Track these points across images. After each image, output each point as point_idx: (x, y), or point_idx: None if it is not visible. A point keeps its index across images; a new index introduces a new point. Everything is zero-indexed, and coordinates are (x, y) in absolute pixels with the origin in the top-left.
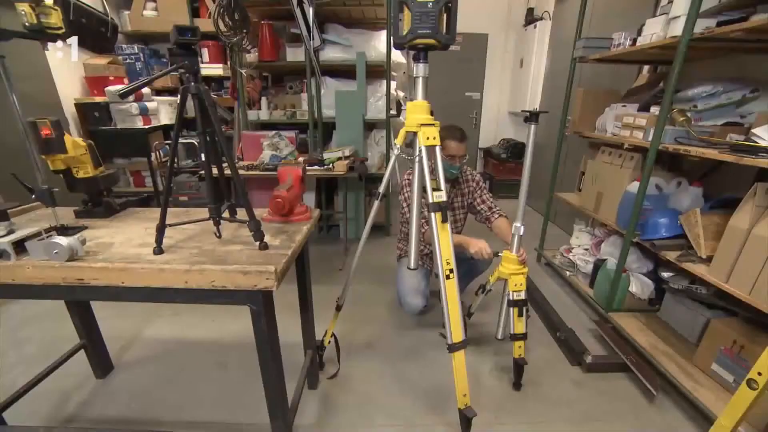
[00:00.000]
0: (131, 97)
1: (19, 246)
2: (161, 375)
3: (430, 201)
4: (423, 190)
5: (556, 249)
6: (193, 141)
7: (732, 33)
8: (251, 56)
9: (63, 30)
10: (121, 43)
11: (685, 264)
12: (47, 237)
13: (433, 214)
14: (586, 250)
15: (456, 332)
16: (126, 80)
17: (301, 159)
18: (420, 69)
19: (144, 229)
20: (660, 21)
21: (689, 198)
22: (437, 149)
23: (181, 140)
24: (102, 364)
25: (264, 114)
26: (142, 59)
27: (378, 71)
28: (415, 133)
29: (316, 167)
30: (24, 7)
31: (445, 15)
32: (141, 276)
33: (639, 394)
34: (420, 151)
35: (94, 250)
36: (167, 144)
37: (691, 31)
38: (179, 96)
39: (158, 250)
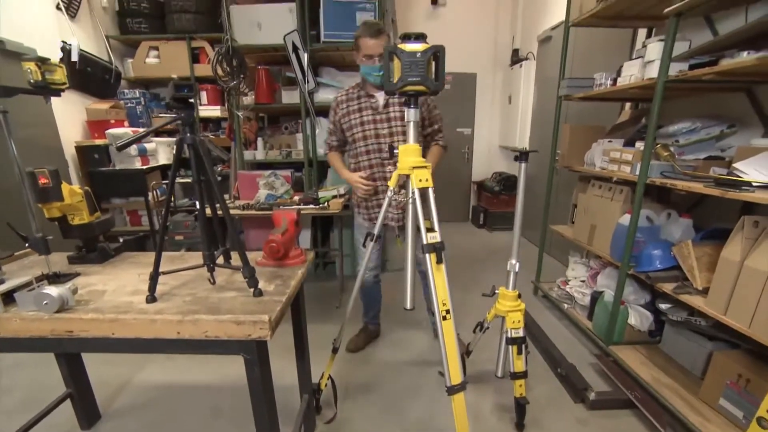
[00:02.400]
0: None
1: (9, 297)
2: (151, 424)
3: (425, 242)
4: (417, 230)
5: (553, 281)
6: (190, 181)
7: (704, 75)
8: (248, 99)
9: (67, 85)
10: (123, 88)
11: (682, 296)
12: (37, 286)
13: (427, 255)
14: (583, 282)
15: (455, 374)
16: (126, 123)
17: (296, 198)
18: (411, 114)
19: (137, 275)
20: (637, 64)
21: (680, 229)
22: (430, 191)
23: (178, 180)
24: (89, 413)
25: (260, 154)
26: (143, 103)
27: None
28: (407, 176)
29: (311, 206)
30: (30, 66)
31: (433, 63)
32: (132, 327)
33: (646, 431)
34: (413, 193)
35: (86, 299)
36: (164, 184)
37: (666, 74)
38: (175, 146)
39: (151, 298)
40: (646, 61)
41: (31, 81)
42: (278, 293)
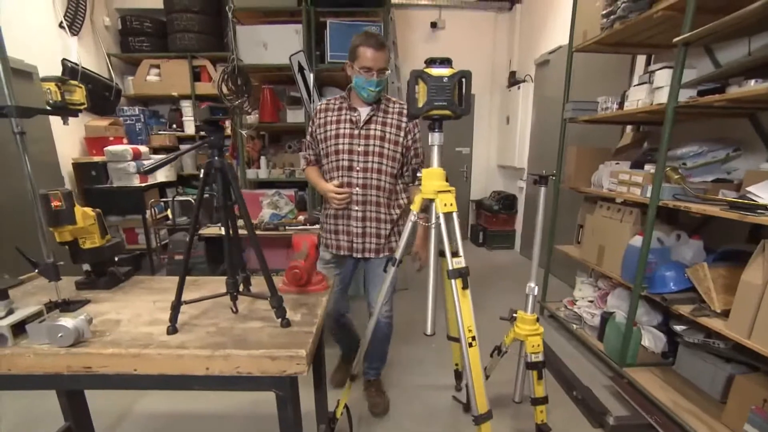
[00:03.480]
0: (129, 156)
1: (19, 328)
2: None
3: (450, 267)
4: (440, 254)
5: (559, 301)
6: (189, 198)
7: (716, 102)
8: (252, 118)
9: (85, 105)
10: (122, 105)
11: (700, 319)
12: (49, 316)
13: (453, 281)
14: (591, 302)
15: (481, 403)
16: (125, 140)
17: (301, 217)
18: (435, 138)
19: (152, 302)
20: (644, 89)
21: (691, 251)
22: (454, 215)
23: (177, 198)
24: None
25: (263, 173)
26: (142, 120)
27: None
28: (431, 200)
29: (317, 226)
30: (50, 86)
31: (458, 88)
32: (157, 363)
33: None
34: (438, 218)
35: (101, 330)
36: (162, 201)
37: (675, 100)
38: (203, 170)
39: (172, 329)
40: (654, 87)
41: (51, 101)
42: (306, 323)
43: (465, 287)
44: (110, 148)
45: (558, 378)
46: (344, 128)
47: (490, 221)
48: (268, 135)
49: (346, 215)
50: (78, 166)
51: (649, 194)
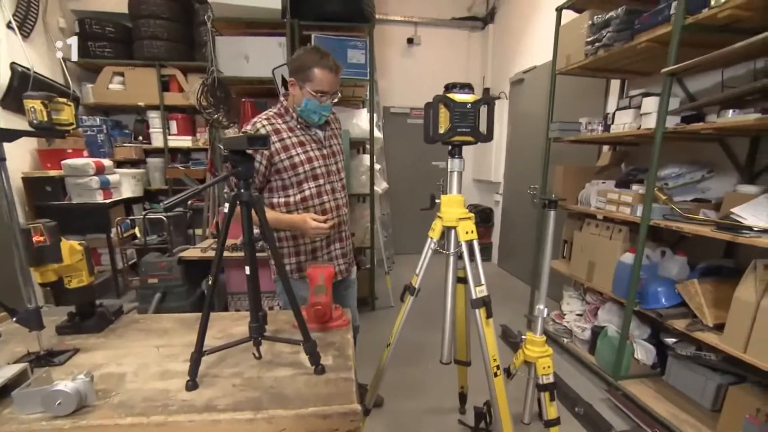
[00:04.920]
0: (92, 170)
1: (2, 393)
2: None
3: (474, 296)
4: (459, 281)
5: (547, 315)
6: (161, 216)
7: (702, 129)
8: (231, 131)
9: (74, 126)
10: (81, 115)
11: (695, 333)
12: (37, 377)
13: (477, 311)
14: (580, 315)
15: None
16: (86, 152)
17: None
18: (455, 164)
19: (156, 348)
20: (630, 114)
21: (676, 266)
22: (475, 243)
23: (149, 216)
24: None
25: None
26: (105, 131)
27: (358, 146)
28: (450, 228)
29: None
30: (35, 104)
31: (482, 114)
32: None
33: None
34: (460, 246)
35: (103, 388)
36: (129, 219)
37: (664, 126)
38: (229, 203)
39: (192, 384)
40: (642, 113)
41: (35, 122)
42: (342, 368)
43: (489, 316)
44: (69, 161)
45: (557, 393)
46: (312, 150)
47: None
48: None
49: (326, 243)
50: (29, 181)
51: (639, 213)
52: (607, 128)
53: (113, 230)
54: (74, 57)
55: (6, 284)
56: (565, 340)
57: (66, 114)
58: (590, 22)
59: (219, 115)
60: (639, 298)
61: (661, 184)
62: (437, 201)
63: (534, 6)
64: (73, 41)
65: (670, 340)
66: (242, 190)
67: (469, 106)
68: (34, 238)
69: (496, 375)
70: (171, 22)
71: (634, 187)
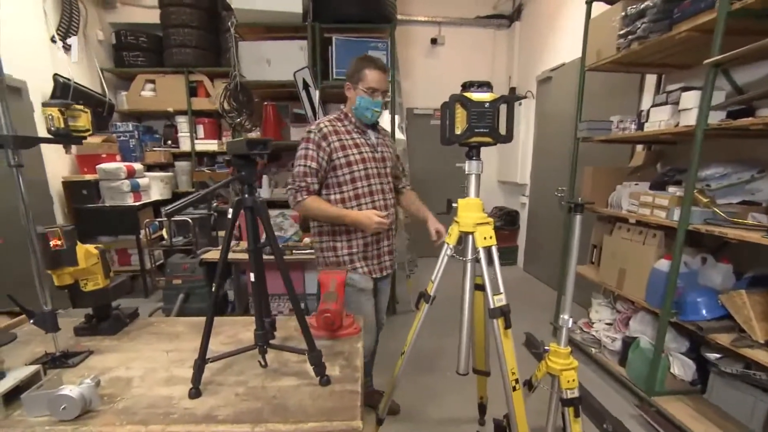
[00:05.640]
0: (123, 174)
1: (11, 394)
2: None
3: (491, 306)
4: (477, 288)
5: (574, 322)
6: (186, 219)
7: (751, 125)
8: (254, 135)
9: (90, 132)
10: (115, 121)
11: (743, 350)
12: (48, 379)
13: (495, 321)
14: (609, 325)
15: None
16: (119, 157)
17: (307, 239)
18: (473, 166)
19: (165, 353)
20: (666, 110)
21: (720, 275)
22: (493, 249)
23: (174, 218)
24: None
25: (265, 192)
26: (136, 136)
27: None
28: (467, 233)
29: None
30: (52, 112)
31: (501, 113)
32: None
33: None
34: (478, 252)
35: (109, 392)
36: (157, 221)
37: (705, 122)
38: (232, 209)
39: (195, 392)
40: (680, 109)
41: (53, 128)
42: (349, 380)
43: (507, 326)
44: (103, 165)
45: (584, 408)
46: (366, 152)
47: None
48: (270, 153)
49: (375, 240)
50: (68, 185)
51: (676, 217)
52: (640, 126)
53: (142, 232)
54: (74, 58)
55: (27, 286)
56: (593, 350)
57: (82, 121)
58: (623, 13)
59: (242, 119)
60: (676, 308)
61: (703, 186)
62: (454, 205)
63: (563, 0)
64: (74, 41)
65: (713, 356)
66: (246, 195)
67: (487, 105)
68: (51, 242)
69: (514, 389)
70: (199, 30)
71: (671, 188)
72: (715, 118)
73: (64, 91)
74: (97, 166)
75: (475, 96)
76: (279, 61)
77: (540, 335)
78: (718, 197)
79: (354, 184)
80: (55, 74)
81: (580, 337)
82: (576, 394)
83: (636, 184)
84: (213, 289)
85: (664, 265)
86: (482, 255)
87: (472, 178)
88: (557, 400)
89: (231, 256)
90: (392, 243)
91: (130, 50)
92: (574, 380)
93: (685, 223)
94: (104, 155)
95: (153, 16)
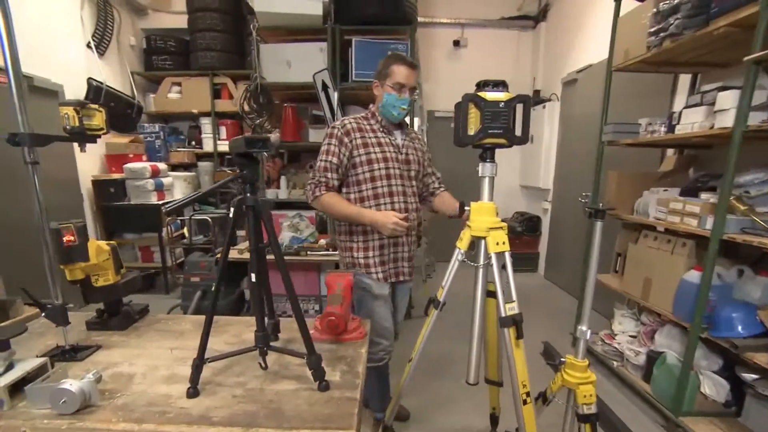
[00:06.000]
0: (148, 173)
1: (18, 385)
2: None
3: (503, 314)
4: (488, 295)
5: (595, 333)
6: (206, 217)
7: None
8: (273, 136)
9: (104, 130)
10: (143, 122)
11: None
12: (54, 372)
13: (506, 330)
14: (633, 337)
15: None
16: (144, 157)
17: (322, 241)
18: (487, 169)
19: (170, 350)
20: (700, 111)
21: (759, 289)
22: (507, 255)
23: (195, 216)
24: None
25: (283, 193)
26: (162, 137)
27: None
28: (480, 238)
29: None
30: (68, 111)
31: (516, 114)
32: None
33: None
34: (490, 258)
35: (111, 388)
36: (179, 219)
37: (744, 124)
38: (233, 208)
39: (193, 391)
40: (716, 110)
41: (68, 127)
42: (348, 386)
43: (519, 337)
44: (129, 165)
45: (604, 425)
46: (390, 152)
47: (512, 243)
48: (288, 154)
49: (392, 243)
50: (97, 183)
51: (709, 226)
52: (671, 129)
53: (164, 230)
54: (99, 76)
55: (41, 281)
56: (615, 363)
57: (97, 120)
58: (654, 9)
59: (261, 120)
60: (707, 323)
61: (740, 192)
62: (467, 208)
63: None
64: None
65: (750, 376)
66: (248, 194)
67: (501, 105)
68: (64, 238)
69: (525, 402)
70: (224, 33)
71: (704, 195)
72: (756, 119)
73: (96, 94)
74: (124, 166)
75: (490, 95)
76: (299, 63)
77: (560, 345)
78: (757, 205)
79: (373, 183)
80: (89, 78)
81: (601, 349)
82: (593, 410)
83: (665, 190)
84: (213, 288)
85: (694, 276)
86: (494, 261)
87: (486, 181)
88: (573, 415)
89: (247, 256)
90: (411, 249)
91: (158, 54)
92: (591, 395)
93: (719, 232)
94: (131, 155)
95: (182, 21)
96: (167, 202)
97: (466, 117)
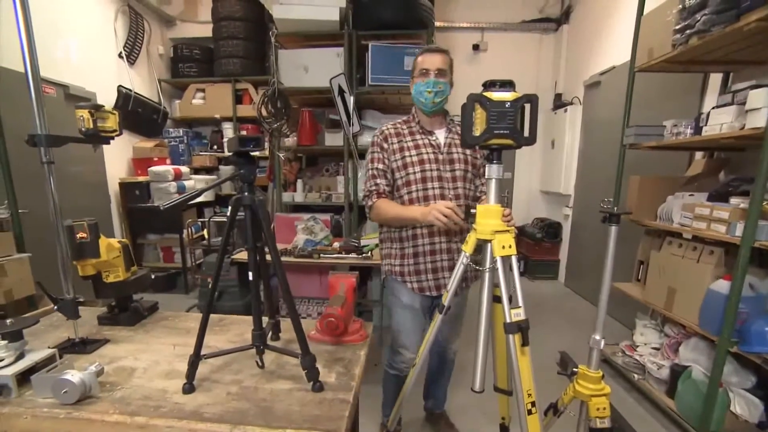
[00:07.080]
0: (171, 176)
1: (26, 376)
2: None
3: (508, 320)
4: (495, 300)
5: (615, 344)
6: (225, 219)
7: None
8: (290, 140)
9: (117, 132)
10: (168, 127)
11: None
12: (61, 363)
13: (511, 336)
14: (656, 349)
15: None
16: (168, 161)
17: (336, 244)
18: (494, 170)
19: (173, 347)
20: (730, 111)
21: None
22: (513, 259)
23: (214, 218)
24: None
25: (299, 196)
26: (185, 141)
27: None
28: (486, 241)
29: (353, 255)
30: (83, 114)
31: (524, 114)
32: None
33: None
34: (495, 262)
35: (112, 381)
36: (200, 221)
37: None
38: (231, 206)
39: (188, 387)
40: (747, 109)
41: (83, 129)
42: (343, 388)
43: (525, 344)
44: (153, 168)
45: None
46: (427, 153)
47: (531, 249)
48: (306, 158)
49: (429, 251)
50: (124, 186)
51: (738, 233)
52: (698, 131)
53: (185, 231)
54: (129, 84)
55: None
56: (636, 376)
57: (111, 122)
58: (680, 6)
59: (279, 125)
60: (737, 336)
61: None
62: (473, 211)
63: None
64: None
65: None
66: (245, 193)
67: (508, 104)
68: (77, 235)
69: (530, 412)
70: (246, 41)
71: (734, 200)
72: None
73: (125, 100)
74: (149, 169)
75: (495, 95)
76: (316, 68)
77: (578, 354)
78: None
79: (408, 188)
80: (119, 85)
81: (621, 360)
82: (607, 424)
83: (690, 195)
84: (210, 287)
85: (722, 286)
86: (500, 265)
87: (492, 183)
88: (585, 428)
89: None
90: (454, 258)
91: (185, 62)
92: (605, 408)
93: (750, 240)
94: (156, 158)
95: (207, 31)
96: (190, 205)
97: (471, 117)
